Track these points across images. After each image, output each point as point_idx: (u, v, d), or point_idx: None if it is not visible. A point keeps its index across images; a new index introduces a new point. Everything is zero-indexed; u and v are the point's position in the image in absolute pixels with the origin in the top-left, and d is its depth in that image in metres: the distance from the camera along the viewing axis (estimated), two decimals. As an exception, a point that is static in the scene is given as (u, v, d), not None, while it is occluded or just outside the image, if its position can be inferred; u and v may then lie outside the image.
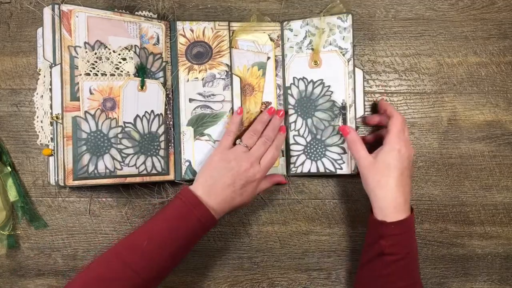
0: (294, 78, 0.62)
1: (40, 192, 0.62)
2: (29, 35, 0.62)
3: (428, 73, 0.64)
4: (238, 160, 0.54)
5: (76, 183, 0.53)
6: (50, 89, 0.53)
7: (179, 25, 0.60)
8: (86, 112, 0.53)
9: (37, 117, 0.58)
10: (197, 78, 0.61)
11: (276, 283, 0.63)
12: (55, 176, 0.54)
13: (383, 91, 0.63)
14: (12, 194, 0.61)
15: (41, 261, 0.62)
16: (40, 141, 0.59)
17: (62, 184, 0.52)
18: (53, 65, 0.53)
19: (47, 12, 0.53)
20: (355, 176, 0.60)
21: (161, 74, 0.59)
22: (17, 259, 0.62)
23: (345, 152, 0.61)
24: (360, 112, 0.61)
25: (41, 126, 0.56)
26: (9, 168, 0.61)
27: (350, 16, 0.60)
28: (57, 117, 0.52)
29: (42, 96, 0.56)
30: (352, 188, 0.63)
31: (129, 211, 0.62)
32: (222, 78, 0.61)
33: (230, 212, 0.56)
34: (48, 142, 0.54)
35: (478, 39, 0.63)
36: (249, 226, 0.63)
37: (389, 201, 0.52)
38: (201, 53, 0.61)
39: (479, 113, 0.63)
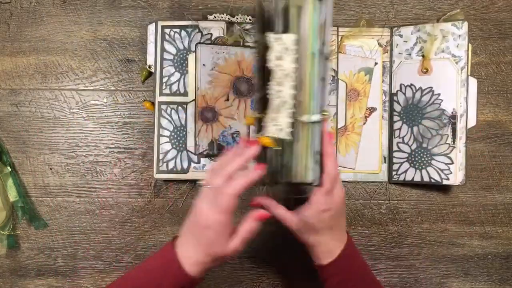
0: (401, 84, 0.62)
1: (40, 192, 0.62)
2: (29, 35, 0.62)
3: (428, 73, 0.64)
4: None
5: None
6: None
7: None
8: None
9: None
10: None
11: (276, 283, 0.63)
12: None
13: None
14: (12, 194, 0.61)
15: (41, 261, 0.62)
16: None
17: None
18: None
19: None
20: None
21: None
22: (17, 259, 0.62)
23: (452, 162, 0.60)
24: (472, 122, 0.61)
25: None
26: (9, 168, 0.61)
27: (465, 23, 0.59)
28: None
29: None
30: (352, 188, 0.63)
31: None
32: (328, 83, 0.61)
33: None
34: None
35: (478, 39, 0.63)
36: (249, 226, 0.63)
37: (322, 250, 0.51)
38: None
39: (479, 113, 0.63)
